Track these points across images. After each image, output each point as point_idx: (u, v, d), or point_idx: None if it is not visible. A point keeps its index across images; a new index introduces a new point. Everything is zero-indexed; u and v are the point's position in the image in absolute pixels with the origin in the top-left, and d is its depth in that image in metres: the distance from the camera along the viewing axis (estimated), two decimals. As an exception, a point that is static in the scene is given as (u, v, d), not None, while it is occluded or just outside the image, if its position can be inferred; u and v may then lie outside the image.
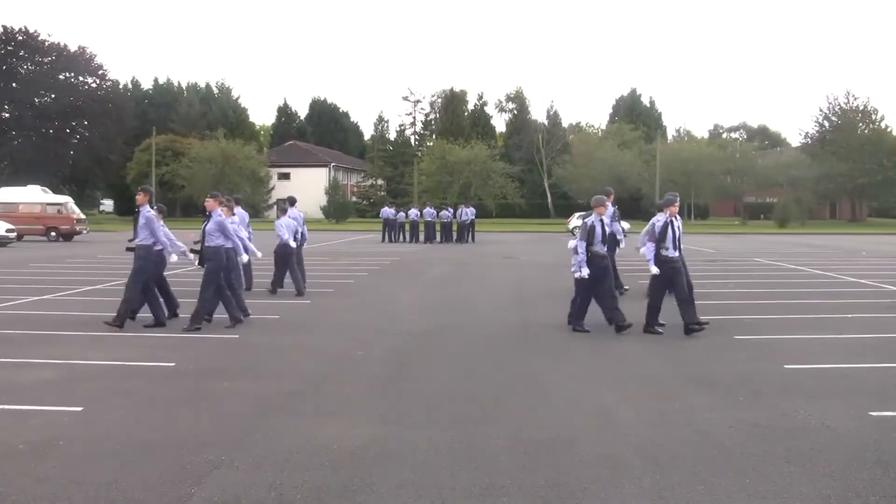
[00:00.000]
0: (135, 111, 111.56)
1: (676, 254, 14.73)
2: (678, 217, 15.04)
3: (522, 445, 7.85)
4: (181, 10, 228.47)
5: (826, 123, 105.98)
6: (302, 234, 21.91)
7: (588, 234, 14.87)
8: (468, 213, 52.61)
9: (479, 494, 6.56)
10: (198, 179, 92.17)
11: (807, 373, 11.33)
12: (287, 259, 20.83)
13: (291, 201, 22.55)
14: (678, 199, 14.94)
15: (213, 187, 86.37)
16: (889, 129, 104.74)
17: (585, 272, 14.68)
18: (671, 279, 14.60)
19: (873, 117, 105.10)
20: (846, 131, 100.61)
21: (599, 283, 14.85)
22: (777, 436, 8.19)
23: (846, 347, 13.49)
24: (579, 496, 6.53)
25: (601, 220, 15.08)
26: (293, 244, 20.92)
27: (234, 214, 16.21)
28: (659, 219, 14.95)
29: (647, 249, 14.90)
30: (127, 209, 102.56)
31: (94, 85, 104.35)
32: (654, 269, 14.61)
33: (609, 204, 16.10)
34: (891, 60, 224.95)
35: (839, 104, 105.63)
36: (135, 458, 7.39)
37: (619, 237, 20.05)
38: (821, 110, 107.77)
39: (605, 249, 15.24)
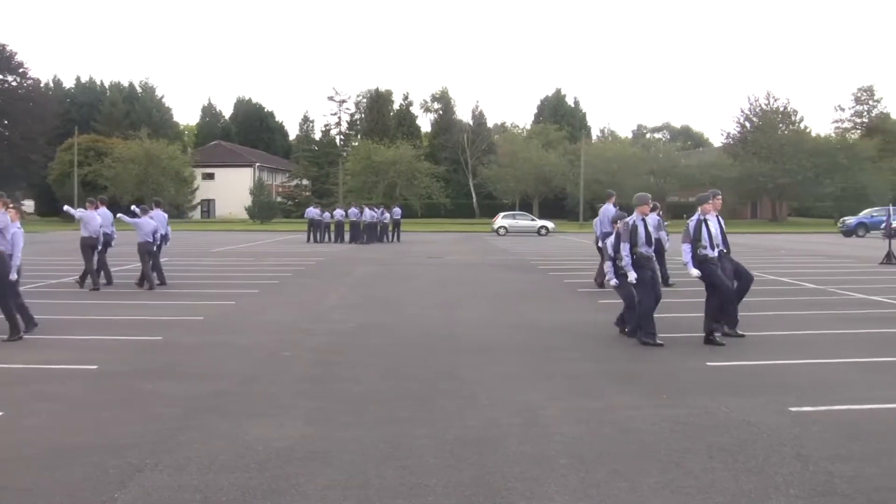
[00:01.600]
0: (57, 110, 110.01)
1: (715, 253, 13.74)
2: (718, 216, 14.15)
3: (448, 444, 7.87)
4: (104, 8, 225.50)
5: (747, 124, 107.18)
6: (165, 234, 23.83)
7: (631, 234, 13.82)
8: (370, 213, 52.67)
9: (405, 494, 6.57)
10: (121, 180, 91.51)
11: (729, 370, 11.49)
12: (146, 255, 22.37)
13: (157, 203, 25.37)
14: (714, 196, 14.17)
15: (137, 188, 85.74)
16: (808, 130, 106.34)
17: (633, 276, 13.68)
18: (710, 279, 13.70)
19: (793, 118, 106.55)
20: (767, 132, 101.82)
21: (649, 288, 13.78)
22: (700, 432, 8.30)
23: (766, 344, 13.72)
24: (505, 494, 6.56)
25: (643, 220, 14.01)
26: (150, 239, 22.49)
27: (20, 217, 15.75)
28: (693, 218, 13.91)
29: (685, 251, 13.73)
30: (49, 210, 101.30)
31: (14, 83, 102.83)
32: (695, 272, 13.62)
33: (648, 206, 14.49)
34: (810, 62, 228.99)
35: (760, 105, 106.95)
36: (57, 464, 7.28)
37: (665, 245, 21.09)
38: (742, 111, 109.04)
39: (651, 251, 14.16)
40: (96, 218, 22.30)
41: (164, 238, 23.87)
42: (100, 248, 22.29)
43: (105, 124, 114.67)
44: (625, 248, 13.79)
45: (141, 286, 22.10)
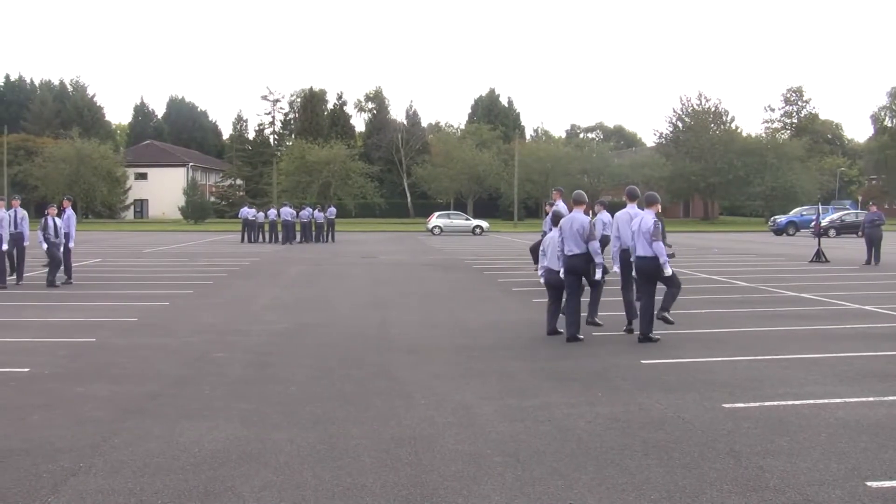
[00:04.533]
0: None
1: (671, 250, 13.94)
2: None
3: (384, 444, 7.86)
4: (34, 5, 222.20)
5: (679, 124, 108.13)
6: (66, 233, 24.37)
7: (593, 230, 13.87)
8: (305, 213, 52.74)
9: (341, 494, 6.56)
10: (52, 180, 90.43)
11: (663, 367, 11.60)
12: (53, 253, 23.38)
13: (67, 200, 26.18)
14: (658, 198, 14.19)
15: (68, 188, 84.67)
16: (739, 130, 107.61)
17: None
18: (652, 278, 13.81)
19: (724, 118, 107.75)
20: (698, 132, 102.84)
21: (572, 287, 13.93)
22: (634, 429, 8.38)
23: (699, 341, 13.87)
24: (441, 493, 6.58)
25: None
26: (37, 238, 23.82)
27: None
28: (647, 216, 13.71)
29: (659, 250, 13.48)
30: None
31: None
32: (669, 271, 13.53)
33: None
34: (741, 63, 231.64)
35: (692, 105, 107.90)
36: (-13, 467, 7.19)
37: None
38: (674, 111, 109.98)
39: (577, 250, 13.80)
40: (6, 218, 22.89)
41: (66, 237, 24.50)
42: (4, 247, 22.65)
43: (35, 123, 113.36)
44: (594, 246, 13.76)
45: (53, 286, 22.65)
